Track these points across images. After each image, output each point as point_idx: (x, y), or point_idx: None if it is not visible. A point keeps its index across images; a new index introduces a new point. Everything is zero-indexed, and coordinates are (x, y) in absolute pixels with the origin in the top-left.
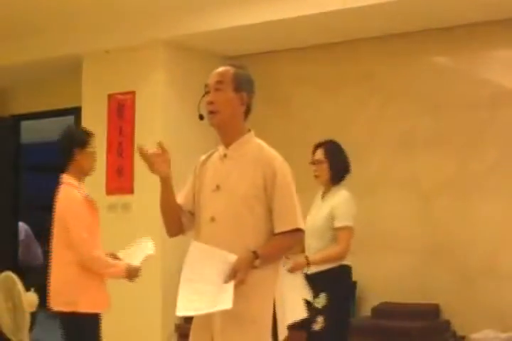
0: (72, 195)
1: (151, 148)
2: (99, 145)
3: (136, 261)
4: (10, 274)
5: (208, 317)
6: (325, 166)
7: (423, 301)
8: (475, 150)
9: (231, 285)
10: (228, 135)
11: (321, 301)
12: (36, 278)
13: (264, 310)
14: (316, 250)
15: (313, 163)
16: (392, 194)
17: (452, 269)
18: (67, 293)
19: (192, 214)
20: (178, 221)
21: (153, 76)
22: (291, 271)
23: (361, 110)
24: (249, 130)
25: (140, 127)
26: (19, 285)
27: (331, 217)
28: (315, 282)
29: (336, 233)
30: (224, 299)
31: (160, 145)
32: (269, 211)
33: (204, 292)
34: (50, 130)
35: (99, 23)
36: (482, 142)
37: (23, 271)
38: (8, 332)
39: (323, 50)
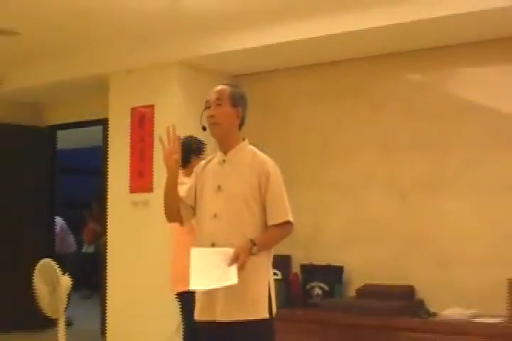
0: None
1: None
2: (124, 152)
3: None
4: (49, 261)
5: (212, 298)
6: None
7: (400, 283)
8: (445, 154)
9: (234, 267)
10: (227, 143)
11: None
12: (70, 264)
13: (261, 291)
14: None
15: None
16: (374, 191)
17: (425, 256)
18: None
19: (192, 207)
20: (176, 209)
21: (170, 92)
22: None
23: (350, 120)
24: (244, 139)
25: (158, 135)
26: (57, 271)
27: None
28: None
29: None
30: (230, 276)
31: (172, 129)
32: (263, 207)
33: (212, 273)
34: (82, 138)
35: (123, 47)
36: (452, 148)
37: (59, 258)
38: (48, 310)
39: (316, 68)
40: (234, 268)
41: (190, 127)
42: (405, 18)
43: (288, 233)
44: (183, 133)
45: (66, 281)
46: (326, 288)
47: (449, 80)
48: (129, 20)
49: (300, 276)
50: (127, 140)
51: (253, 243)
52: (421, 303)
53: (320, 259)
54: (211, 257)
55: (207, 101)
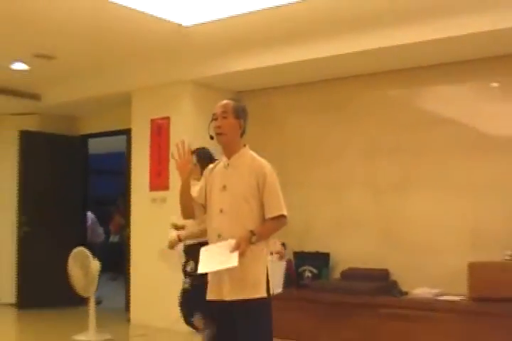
0: None
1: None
2: (145, 156)
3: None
4: (83, 249)
5: (219, 282)
6: (197, 168)
7: (377, 267)
8: (415, 159)
9: (236, 253)
10: (230, 150)
11: (190, 266)
12: (99, 251)
13: (261, 275)
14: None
15: None
16: (355, 190)
17: (398, 244)
18: None
19: (203, 206)
20: (190, 207)
21: (183, 106)
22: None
23: (335, 130)
24: (245, 145)
25: (173, 143)
26: (90, 257)
27: None
28: (187, 252)
29: None
30: (231, 260)
31: (182, 144)
32: (261, 203)
33: (217, 259)
34: (109, 145)
35: (143, 68)
36: (420, 153)
37: (90, 246)
38: (81, 290)
39: (307, 86)
40: (235, 254)
41: (200, 136)
42: (380, 44)
43: (282, 225)
44: (195, 140)
45: (96, 265)
46: (315, 271)
47: (418, 97)
48: (150, 46)
49: (293, 261)
50: (147, 146)
51: (252, 233)
52: (395, 284)
53: (310, 247)
54: (217, 248)
55: (214, 114)
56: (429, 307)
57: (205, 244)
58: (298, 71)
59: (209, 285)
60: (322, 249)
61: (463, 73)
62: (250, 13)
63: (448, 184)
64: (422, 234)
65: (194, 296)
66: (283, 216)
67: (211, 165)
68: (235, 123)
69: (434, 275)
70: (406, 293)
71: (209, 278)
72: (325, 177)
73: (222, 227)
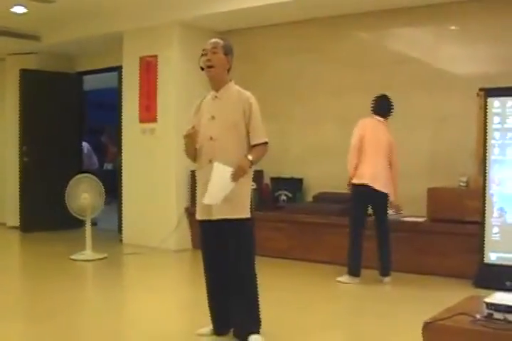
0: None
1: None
2: (135, 92)
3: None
4: (88, 175)
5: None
6: None
7: (345, 191)
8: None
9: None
10: (219, 83)
11: None
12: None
13: (247, 198)
14: None
15: None
16: (328, 123)
17: None
18: (387, 183)
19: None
20: (193, 154)
21: (169, 44)
22: None
23: (309, 69)
24: (231, 80)
25: (161, 79)
26: (95, 182)
27: None
28: None
29: None
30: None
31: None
32: (247, 131)
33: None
34: (103, 81)
35: (134, 10)
36: (385, 91)
37: (87, 173)
38: (78, 213)
39: (285, 27)
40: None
41: (184, 71)
42: None
43: (266, 151)
44: (179, 75)
45: (100, 189)
46: (290, 195)
47: (387, 38)
48: None
49: (270, 186)
50: (137, 82)
51: (251, 162)
52: None
53: (285, 173)
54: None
55: (204, 49)
56: (395, 227)
57: None
58: (276, 11)
59: (198, 207)
60: (296, 175)
61: (425, 17)
62: None
63: (410, 117)
64: None
65: None
66: (267, 143)
67: (198, 101)
68: (223, 59)
69: (398, 198)
70: (371, 215)
71: (198, 200)
72: (300, 111)
73: (213, 153)
